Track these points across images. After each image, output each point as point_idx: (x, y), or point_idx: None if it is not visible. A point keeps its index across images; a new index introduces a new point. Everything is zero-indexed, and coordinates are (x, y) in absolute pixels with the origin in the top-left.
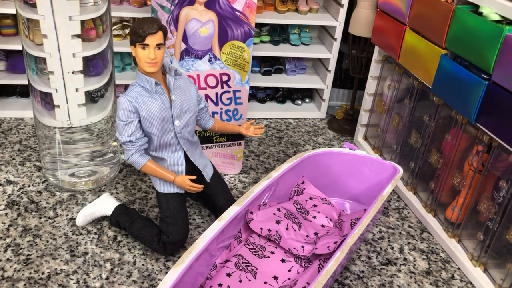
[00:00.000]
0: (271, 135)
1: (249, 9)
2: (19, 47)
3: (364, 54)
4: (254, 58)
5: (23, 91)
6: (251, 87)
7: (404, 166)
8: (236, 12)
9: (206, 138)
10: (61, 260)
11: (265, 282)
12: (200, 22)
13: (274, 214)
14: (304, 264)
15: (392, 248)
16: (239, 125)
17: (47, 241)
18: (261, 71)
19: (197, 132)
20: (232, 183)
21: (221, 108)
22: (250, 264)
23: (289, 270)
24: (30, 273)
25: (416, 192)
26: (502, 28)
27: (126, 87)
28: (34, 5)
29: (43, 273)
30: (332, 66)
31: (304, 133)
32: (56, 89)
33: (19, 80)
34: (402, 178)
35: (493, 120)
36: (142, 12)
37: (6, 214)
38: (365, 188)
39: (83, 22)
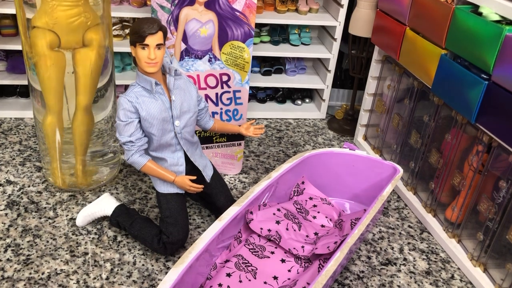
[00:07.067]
0: (271, 135)
1: (249, 9)
2: (19, 47)
3: (364, 54)
4: (254, 58)
5: (23, 91)
6: (251, 87)
7: (404, 166)
8: (236, 12)
9: (206, 138)
10: (61, 260)
11: (265, 282)
12: (200, 22)
13: (274, 214)
14: (304, 264)
15: (392, 248)
16: (239, 125)
17: (47, 241)
18: (261, 71)
19: (197, 132)
20: (232, 183)
21: (221, 108)
22: (250, 264)
23: (289, 270)
24: (30, 273)
25: (416, 192)
26: (502, 28)
27: (126, 87)
28: (34, 5)
29: (43, 273)
30: (332, 66)
31: (304, 133)
32: None
33: (19, 80)
34: (402, 178)
35: (493, 120)
36: (142, 12)
37: (6, 214)
38: (365, 188)
39: None
